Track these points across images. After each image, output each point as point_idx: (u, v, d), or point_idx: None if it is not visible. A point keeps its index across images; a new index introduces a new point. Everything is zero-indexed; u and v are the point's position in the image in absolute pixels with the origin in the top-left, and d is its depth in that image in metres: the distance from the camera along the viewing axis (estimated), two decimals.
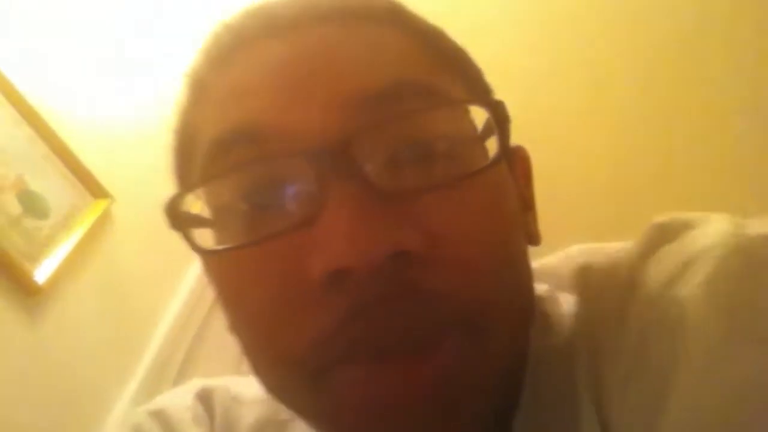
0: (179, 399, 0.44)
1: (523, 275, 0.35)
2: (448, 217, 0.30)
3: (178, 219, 0.32)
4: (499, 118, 0.32)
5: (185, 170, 0.36)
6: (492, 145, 0.33)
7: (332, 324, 0.29)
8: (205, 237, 0.33)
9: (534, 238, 0.38)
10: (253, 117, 0.31)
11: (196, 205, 0.34)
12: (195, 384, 0.46)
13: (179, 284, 1.38)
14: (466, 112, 0.34)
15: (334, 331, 0.29)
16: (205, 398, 0.44)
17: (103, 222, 1.24)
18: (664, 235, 0.32)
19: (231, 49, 0.34)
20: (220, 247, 0.33)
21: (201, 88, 0.35)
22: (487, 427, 0.33)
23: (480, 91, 0.38)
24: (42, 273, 1.06)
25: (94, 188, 1.23)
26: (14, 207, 1.05)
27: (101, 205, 1.24)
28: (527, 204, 0.39)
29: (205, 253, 0.33)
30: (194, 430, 0.42)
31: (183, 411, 0.43)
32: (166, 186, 0.36)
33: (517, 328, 0.34)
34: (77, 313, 1.13)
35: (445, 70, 0.34)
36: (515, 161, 0.38)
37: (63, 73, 1.26)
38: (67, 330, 1.10)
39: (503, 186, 0.34)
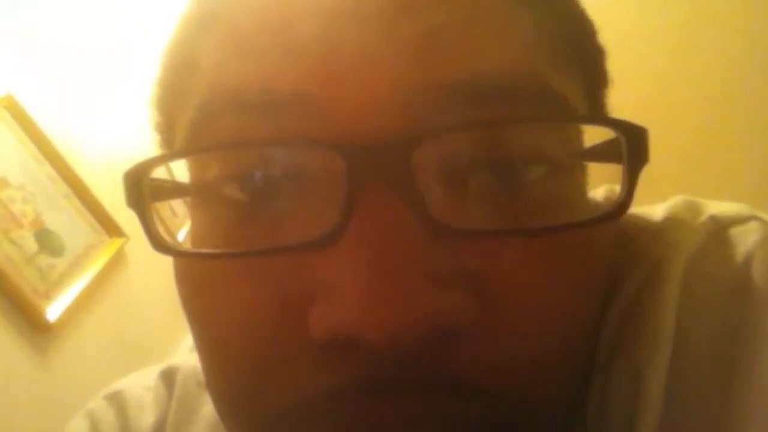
0: (143, 378, 0.38)
1: (587, 352, 0.26)
2: (520, 278, 0.21)
3: (141, 192, 0.22)
4: (635, 151, 0.21)
5: (168, 121, 0.27)
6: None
7: (324, 390, 0.21)
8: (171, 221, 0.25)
9: None
10: (283, 78, 0.20)
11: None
12: (166, 363, 0.38)
13: None
14: (579, 128, 0.25)
15: (324, 400, 0.21)
16: (168, 378, 0.37)
17: (117, 261, 1.25)
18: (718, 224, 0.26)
19: None
20: (187, 250, 0.25)
21: (213, 12, 0.24)
22: None
23: (599, 88, 0.28)
24: (53, 311, 1.06)
25: (110, 227, 1.24)
26: (31, 245, 1.06)
27: (116, 244, 1.25)
28: None
29: (166, 251, 0.22)
30: (151, 415, 0.35)
31: (143, 391, 0.36)
32: None
33: (568, 410, 0.26)
34: (87, 351, 1.13)
35: (566, 60, 0.23)
36: None
37: (85, 114, 1.29)
38: (76, 368, 1.09)
39: (603, 239, 0.25)
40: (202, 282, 0.24)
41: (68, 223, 1.16)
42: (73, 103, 1.27)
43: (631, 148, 0.21)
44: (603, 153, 0.23)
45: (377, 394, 0.20)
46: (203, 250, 0.24)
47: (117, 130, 1.36)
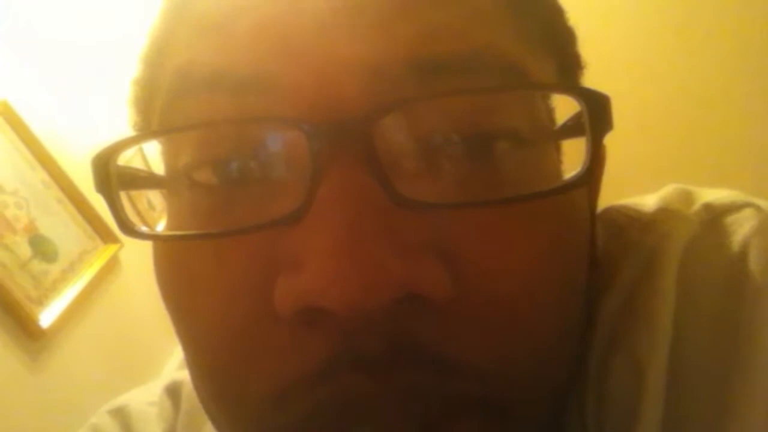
0: (145, 394, 0.37)
1: (573, 334, 0.24)
2: (492, 251, 0.21)
3: (108, 177, 0.23)
4: (596, 118, 0.21)
5: (145, 118, 0.27)
6: (572, 148, 0.23)
7: (299, 374, 0.20)
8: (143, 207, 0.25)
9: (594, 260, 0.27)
10: (246, 59, 0.21)
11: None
12: (167, 377, 0.38)
13: None
14: (546, 98, 0.25)
15: (299, 384, 0.21)
16: (173, 392, 0.37)
17: (110, 267, 1.24)
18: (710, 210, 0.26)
19: None
20: (153, 233, 0.24)
21: (182, 4, 0.24)
22: None
23: (572, 71, 0.28)
24: (47, 317, 1.05)
25: (104, 233, 1.24)
26: (25, 250, 1.05)
27: (110, 250, 1.25)
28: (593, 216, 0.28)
29: (133, 235, 0.22)
30: (156, 429, 0.35)
31: (147, 406, 0.36)
32: None
33: (558, 397, 0.25)
34: (81, 357, 1.12)
35: (533, 40, 0.24)
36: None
37: (79, 119, 1.28)
38: (69, 374, 1.08)
39: (578, 211, 0.24)
40: (175, 269, 0.23)
41: (62, 228, 1.16)
42: (67, 107, 1.26)
43: (592, 114, 0.21)
44: (572, 128, 0.22)
45: (358, 371, 0.20)
46: (169, 233, 0.24)
47: (112, 135, 1.35)
